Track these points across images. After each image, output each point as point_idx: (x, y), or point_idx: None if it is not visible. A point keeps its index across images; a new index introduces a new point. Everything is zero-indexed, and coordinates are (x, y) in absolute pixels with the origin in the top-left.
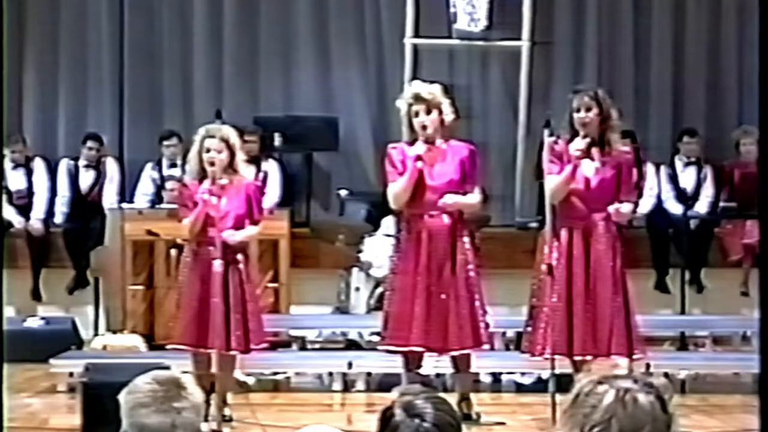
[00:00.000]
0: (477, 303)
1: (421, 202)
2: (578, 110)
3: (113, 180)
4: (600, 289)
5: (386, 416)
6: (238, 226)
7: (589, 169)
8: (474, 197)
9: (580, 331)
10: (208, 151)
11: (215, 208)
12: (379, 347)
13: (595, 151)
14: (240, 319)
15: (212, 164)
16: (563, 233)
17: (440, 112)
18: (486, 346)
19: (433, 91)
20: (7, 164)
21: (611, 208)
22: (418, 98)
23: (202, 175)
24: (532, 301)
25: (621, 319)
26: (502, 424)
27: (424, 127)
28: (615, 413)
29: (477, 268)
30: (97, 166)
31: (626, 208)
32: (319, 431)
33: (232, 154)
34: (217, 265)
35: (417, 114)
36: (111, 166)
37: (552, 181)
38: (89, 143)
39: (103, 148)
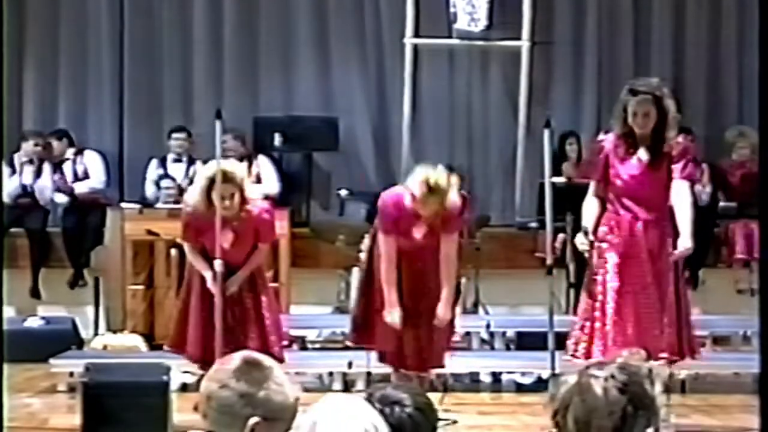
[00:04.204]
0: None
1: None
2: (635, 115)
3: (95, 172)
4: (657, 287)
5: None
6: (250, 254)
7: (634, 167)
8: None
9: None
10: (222, 198)
11: (226, 240)
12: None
13: (643, 151)
14: (257, 323)
15: (226, 209)
16: (615, 232)
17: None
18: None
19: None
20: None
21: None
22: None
23: (207, 207)
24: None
25: (671, 317)
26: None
27: None
28: (571, 401)
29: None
30: (74, 160)
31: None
32: (344, 401)
33: (241, 191)
34: (218, 265)
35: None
36: (89, 157)
37: (589, 203)
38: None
39: (63, 142)
